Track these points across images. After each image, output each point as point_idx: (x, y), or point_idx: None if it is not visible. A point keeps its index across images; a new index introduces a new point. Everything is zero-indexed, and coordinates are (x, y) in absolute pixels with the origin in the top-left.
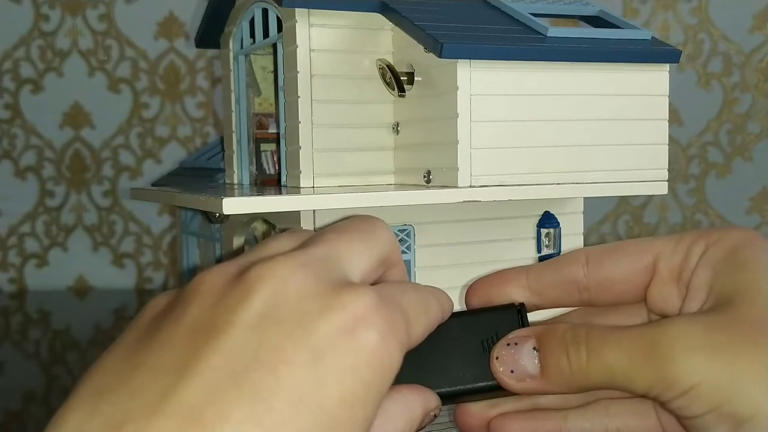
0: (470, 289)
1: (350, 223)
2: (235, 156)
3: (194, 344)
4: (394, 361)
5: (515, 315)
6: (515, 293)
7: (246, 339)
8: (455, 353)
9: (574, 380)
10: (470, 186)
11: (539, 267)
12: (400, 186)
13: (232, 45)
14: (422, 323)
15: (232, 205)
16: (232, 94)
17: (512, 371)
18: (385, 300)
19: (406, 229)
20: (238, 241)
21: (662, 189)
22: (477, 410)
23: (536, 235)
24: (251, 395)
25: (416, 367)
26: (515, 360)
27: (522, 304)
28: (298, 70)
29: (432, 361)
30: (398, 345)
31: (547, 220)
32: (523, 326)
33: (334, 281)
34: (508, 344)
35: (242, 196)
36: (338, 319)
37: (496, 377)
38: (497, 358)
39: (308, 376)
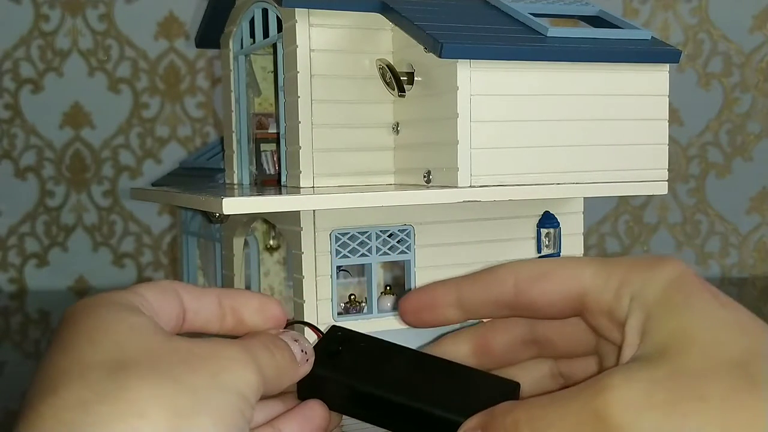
0: (403, 306)
1: None
2: (235, 156)
3: None
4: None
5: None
6: (448, 313)
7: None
8: (449, 381)
9: None
10: (470, 186)
11: (469, 284)
12: (400, 186)
13: (232, 45)
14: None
15: (232, 205)
16: (232, 94)
17: None
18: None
19: (406, 229)
20: (238, 241)
21: (662, 189)
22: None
23: (536, 235)
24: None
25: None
26: None
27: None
28: (298, 70)
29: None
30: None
31: (547, 220)
32: None
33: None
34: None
35: (242, 196)
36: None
37: None
38: None
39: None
